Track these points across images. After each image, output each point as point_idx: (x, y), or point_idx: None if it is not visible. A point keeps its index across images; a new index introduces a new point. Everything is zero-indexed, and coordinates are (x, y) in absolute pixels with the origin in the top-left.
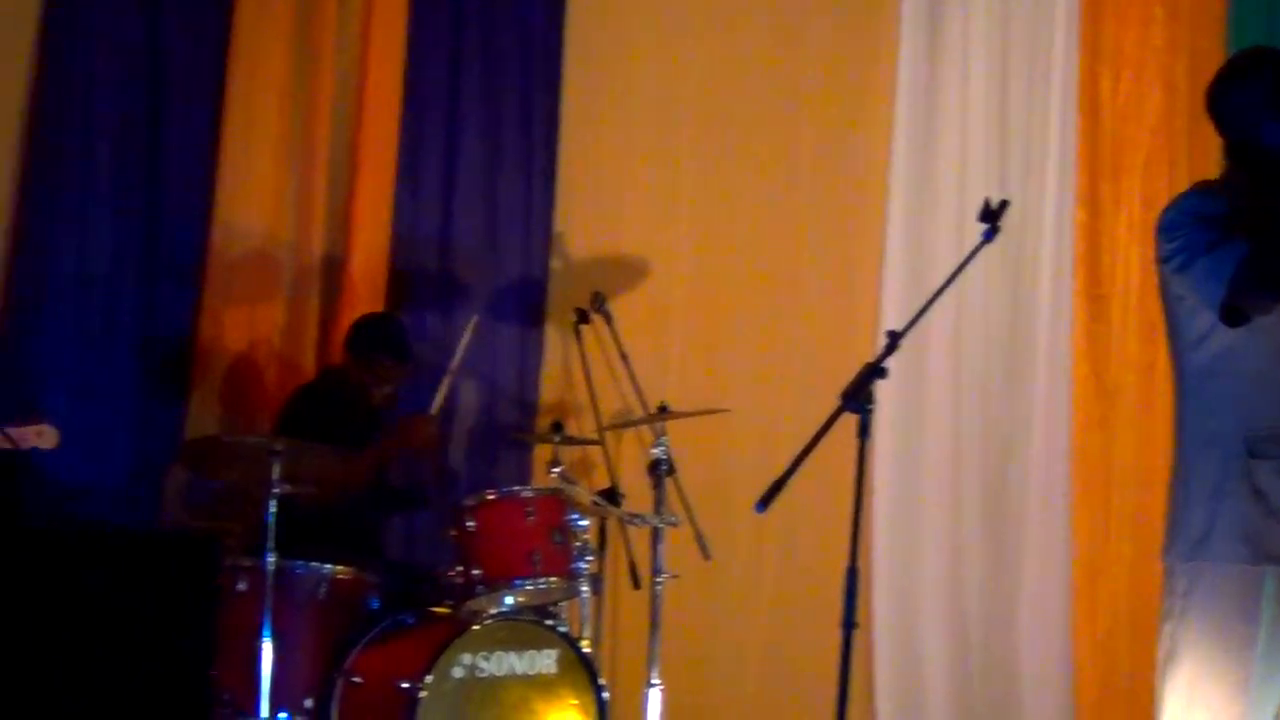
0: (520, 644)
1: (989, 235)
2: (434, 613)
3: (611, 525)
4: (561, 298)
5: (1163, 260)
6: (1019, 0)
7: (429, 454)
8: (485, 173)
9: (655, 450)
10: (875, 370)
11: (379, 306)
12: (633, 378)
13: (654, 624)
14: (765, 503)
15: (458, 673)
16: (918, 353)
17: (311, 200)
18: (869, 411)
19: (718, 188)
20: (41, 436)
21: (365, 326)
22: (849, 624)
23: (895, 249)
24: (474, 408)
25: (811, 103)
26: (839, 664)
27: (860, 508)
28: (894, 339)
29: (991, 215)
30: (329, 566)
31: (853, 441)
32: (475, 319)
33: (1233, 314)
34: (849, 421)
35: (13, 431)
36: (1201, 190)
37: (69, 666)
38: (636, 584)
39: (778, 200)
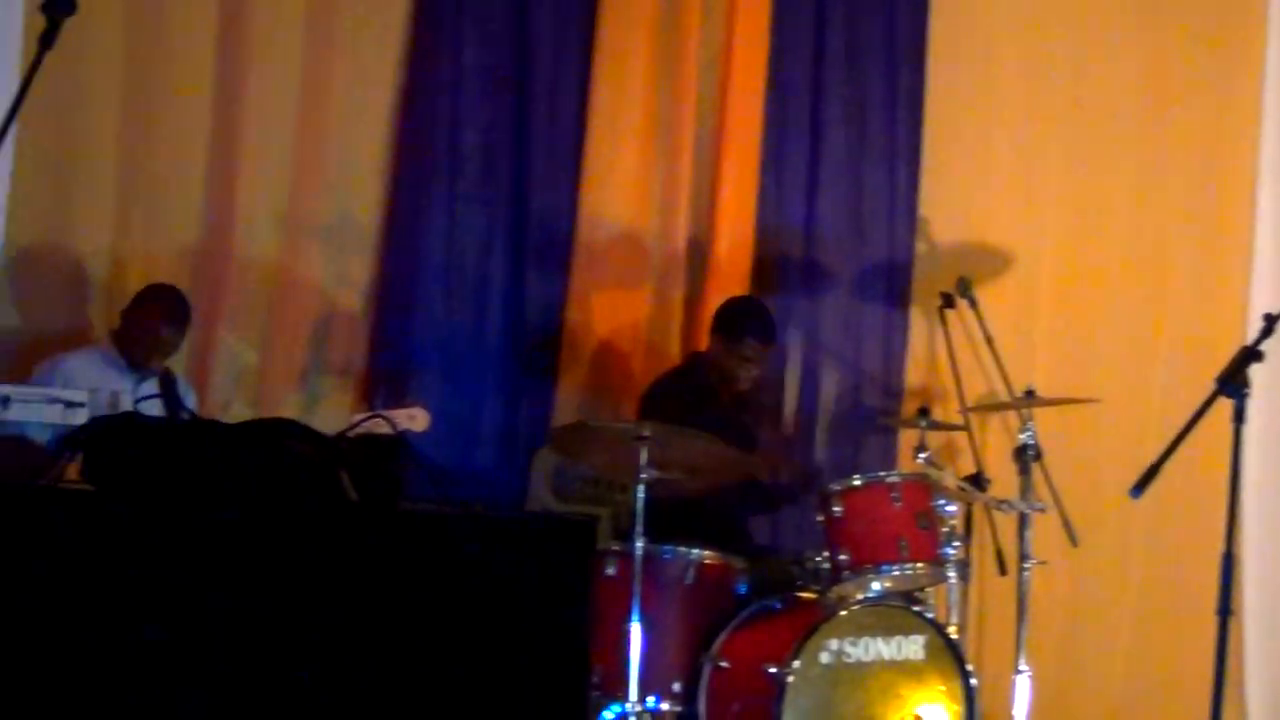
0: (887, 630)
1: None
2: (801, 598)
3: (977, 511)
4: (926, 283)
5: None
6: None
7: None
8: (849, 158)
9: (1022, 436)
10: (1252, 354)
11: (744, 292)
12: (999, 362)
13: (1021, 610)
14: (1141, 487)
15: (825, 658)
16: None
17: (676, 188)
18: (1244, 396)
19: (1083, 173)
20: (413, 419)
21: (732, 309)
22: (1224, 611)
23: (1266, 232)
24: (839, 393)
25: (1178, 87)
26: (1215, 651)
27: (1236, 493)
28: (1271, 322)
29: None
30: (697, 552)
31: (1215, 425)
32: None
33: None
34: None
35: (387, 414)
36: None
37: (447, 647)
38: (1003, 570)
39: (1144, 186)
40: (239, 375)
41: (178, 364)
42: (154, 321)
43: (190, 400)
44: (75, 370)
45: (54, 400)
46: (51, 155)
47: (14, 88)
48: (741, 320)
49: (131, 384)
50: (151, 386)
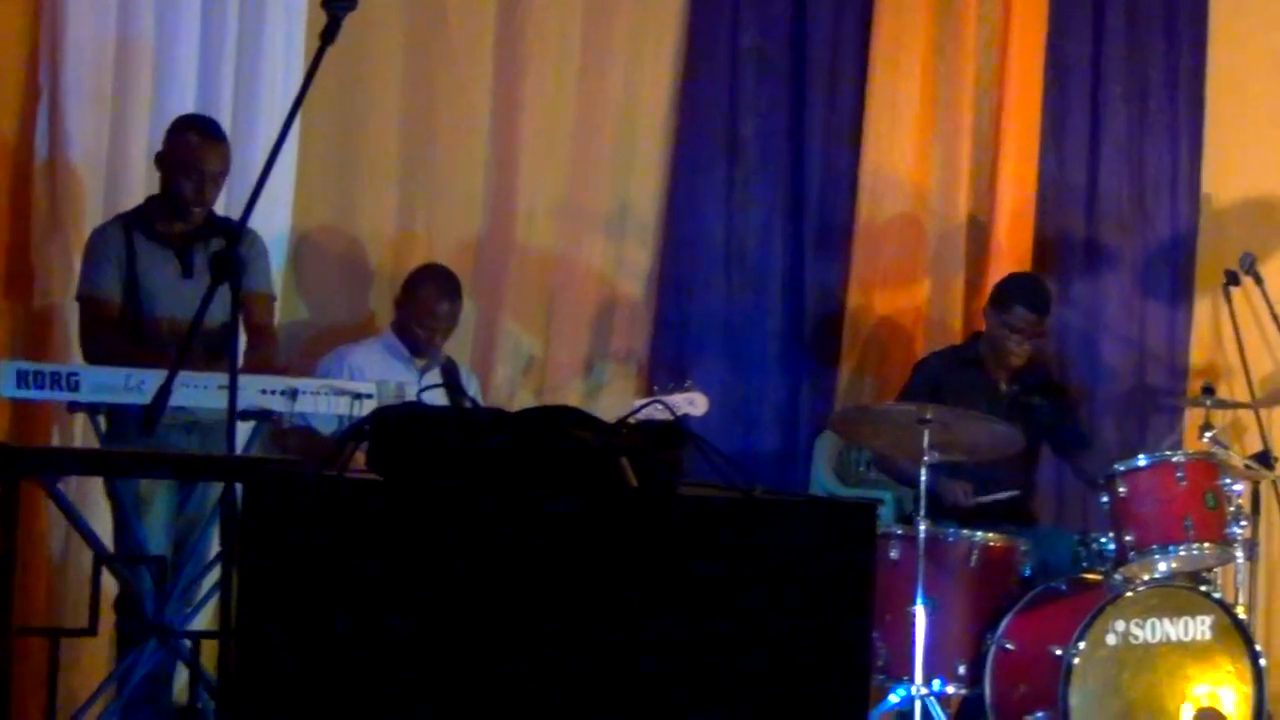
0: (1174, 610)
1: None
2: (1086, 579)
3: (1266, 489)
4: (1210, 259)
5: None
6: None
7: None
8: (1130, 135)
9: None
10: None
11: (1024, 270)
12: None
13: None
14: None
15: (1111, 639)
16: None
17: (956, 168)
18: None
19: None
20: (693, 404)
21: (1006, 281)
22: None
23: None
24: (1123, 372)
25: None
26: None
27: None
28: None
29: None
30: (981, 534)
31: None
32: None
33: None
34: None
35: (666, 399)
36: None
37: (727, 631)
38: None
39: None
40: (523, 364)
41: (463, 353)
42: (430, 298)
43: (474, 389)
44: (361, 362)
45: (341, 392)
46: (335, 146)
47: (298, 80)
48: (1014, 290)
49: (415, 374)
50: (435, 376)
